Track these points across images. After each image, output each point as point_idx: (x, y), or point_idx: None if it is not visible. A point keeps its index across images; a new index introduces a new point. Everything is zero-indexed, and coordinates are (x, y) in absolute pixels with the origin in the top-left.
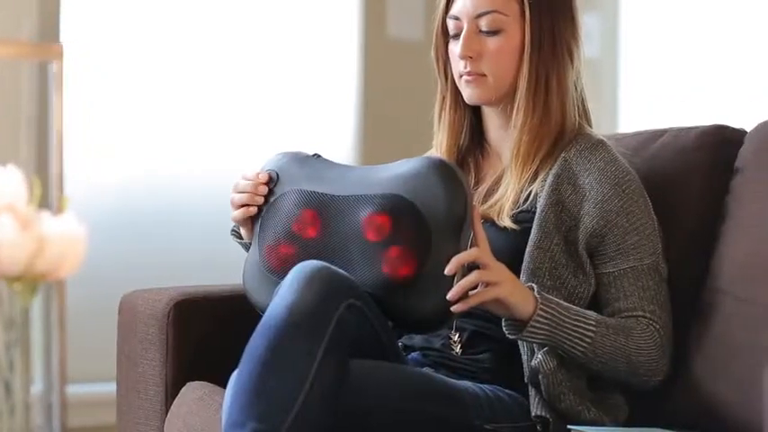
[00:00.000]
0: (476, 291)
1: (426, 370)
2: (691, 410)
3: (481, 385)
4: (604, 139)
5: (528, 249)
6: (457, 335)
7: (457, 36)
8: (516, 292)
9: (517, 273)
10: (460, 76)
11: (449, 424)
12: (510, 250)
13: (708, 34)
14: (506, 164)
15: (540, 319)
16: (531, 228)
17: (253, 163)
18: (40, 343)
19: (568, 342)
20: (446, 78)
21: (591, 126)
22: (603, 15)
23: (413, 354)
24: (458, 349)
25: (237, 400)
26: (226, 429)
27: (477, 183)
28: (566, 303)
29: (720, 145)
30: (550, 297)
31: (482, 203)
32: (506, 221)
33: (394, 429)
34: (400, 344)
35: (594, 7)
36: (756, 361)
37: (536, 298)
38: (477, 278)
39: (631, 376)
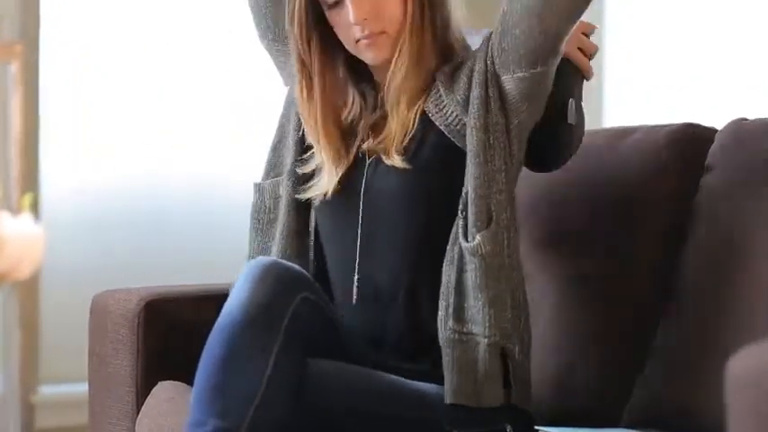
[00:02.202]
0: None
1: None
2: (654, 411)
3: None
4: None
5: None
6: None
7: (336, 4)
8: None
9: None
10: (356, 42)
11: (415, 425)
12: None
13: (695, 31)
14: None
15: None
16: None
17: (237, 165)
18: (6, 344)
19: None
20: (309, 50)
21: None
22: (588, 14)
23: None
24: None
25: (198, 399)
26: (189, 429)
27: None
28: None
29: (691, 143)
30: None
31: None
32: (397, 160)
33: (360, 430)
34: None
35: None
36: (721, 360)
37: None
38: None
39: None
